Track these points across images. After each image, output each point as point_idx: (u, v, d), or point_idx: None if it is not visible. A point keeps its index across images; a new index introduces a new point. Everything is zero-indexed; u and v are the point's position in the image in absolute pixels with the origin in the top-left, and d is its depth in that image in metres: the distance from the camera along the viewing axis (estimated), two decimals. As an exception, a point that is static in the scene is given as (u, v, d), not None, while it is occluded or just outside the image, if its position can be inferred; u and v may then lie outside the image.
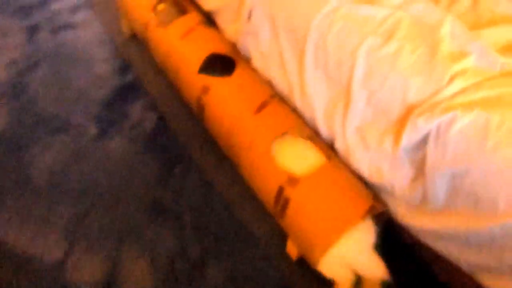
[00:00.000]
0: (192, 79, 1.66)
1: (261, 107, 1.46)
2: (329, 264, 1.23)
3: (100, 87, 2.08)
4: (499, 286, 1.04)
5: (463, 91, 1.03)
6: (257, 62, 1.61)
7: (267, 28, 1.51)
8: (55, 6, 2.47)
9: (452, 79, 1.04)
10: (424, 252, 1.27)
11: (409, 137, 1.08)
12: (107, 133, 1.88)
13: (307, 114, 1.44)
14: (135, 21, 2.03)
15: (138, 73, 2.13)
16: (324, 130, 1.39)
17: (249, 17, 1.55)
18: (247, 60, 1.67)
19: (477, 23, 1.21)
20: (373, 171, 1.24)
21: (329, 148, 1.38)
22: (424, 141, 1.07)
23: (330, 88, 1.32)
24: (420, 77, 1.08)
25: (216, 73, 1.60)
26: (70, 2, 2.49)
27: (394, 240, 1.36)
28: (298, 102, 1.46)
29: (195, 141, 1.83)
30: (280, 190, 1.30)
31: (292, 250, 1.41)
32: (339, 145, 1.33)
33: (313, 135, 1.40)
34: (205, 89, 1.60)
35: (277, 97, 1.52)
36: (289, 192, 1.28)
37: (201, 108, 1.63)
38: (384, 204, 1.27)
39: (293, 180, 1.29)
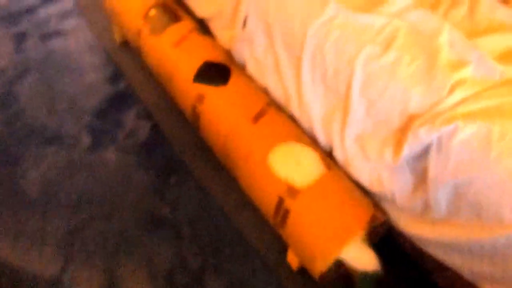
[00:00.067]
0: (187, 88, 1.64)
1: (258, 116, 1.44)
2: None
3: (91, 95, 2.05)
4: (502, 295, 1.04)
5: (463, 101, 1.03)
6: (252, 69, 1.60)
7: (262, 35, 1.49)
8: (43, 13, 2.42)
9: (452, 89, 1.04)
10: (424, 259, 1.27)
11: (411, 148, 1.07)
12: (100, 143, 1.85)
13: (304, 122, 1.43)
14: (127, 28, 2.00)
15: (130, 80, 2.10)
16: (322, 139, 1.38)
17: (244, 24, 1.54)
18: (242, 67, 1.65)
19: (474, 31, 1.21)
20: (374, 180, 1.23)
21: (327, 156, 1.37)
22: (425, 151, 1.06)
23: (328, 96, 1.31)
24: (420, 87, 1.08)
25: (211, 81, 1.58)
26: (59, 9, 2.44)
27: (394, 247, 1.36)
28: (295, 110, 1.45)
29: (190, 149, 1.81)
30: (280, 201, 1.29)
31: (293, 260, 1.40)
32: (337, 153, 1.33)
33: (311, 143, 1.39)
34: (200, 98, 1.58)
35: (274, 105, 1.51)
36: (289, 203, 1.27)
37: (196, 116, 1.61)
38: (385, 213, 1.26)
39: (293, 191, 1.27)
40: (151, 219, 1.61)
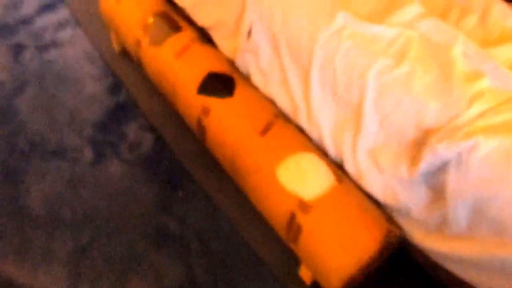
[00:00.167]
0: (191, 100, 1.61)
1: (266, 128, 1.42)
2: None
3: (92, 107, 2.01)
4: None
5: (482, 114, 1.01)
6: (257, 80, 1.57)
7: (268, 46, 1.46)
8: (40, 23, 2.37)
9: (470, 102, 1.02)
10: (438, 272, 1.25)
11: (428, 163, 1.05)
12: (103, 156, 1.82)
13: (313, 134, 1.40)
14: (125, 39, 1.96)
15: (131, 91, 2.06)
16: (332, 151, 1.36)
17: (249, 35, 1.51)
18: (246, 77, 1.62)
19: (486, 40, 1.19)
20: (388, 193, 1.21)
21: (338, 169, 1.35)
22: (443, 166, 1.04)
23: (339, 109, 1.29)
24: (437, 100, 1.06)
25: (216, 93, 1.55)
26: (55, 19, 2.39)
27: (406, 259, 1.34)
28: (303, 121, 1.42)
29: (197, 161, 1.78)
30: (292, 217, 1.26)
31: (305, 274, 1.38)
32: (349, 166, 1.30)
33: (322, 155, 1.37)
34: (206, 110, 1.55)
35: (282, 116, 1.48)
36: (301, 218, 1.25)
37: (202, 129, 1.59)
38: (399, 226, 1.24)
39: (304, 206, 1.25)
40: (158, 234, 1.58)
